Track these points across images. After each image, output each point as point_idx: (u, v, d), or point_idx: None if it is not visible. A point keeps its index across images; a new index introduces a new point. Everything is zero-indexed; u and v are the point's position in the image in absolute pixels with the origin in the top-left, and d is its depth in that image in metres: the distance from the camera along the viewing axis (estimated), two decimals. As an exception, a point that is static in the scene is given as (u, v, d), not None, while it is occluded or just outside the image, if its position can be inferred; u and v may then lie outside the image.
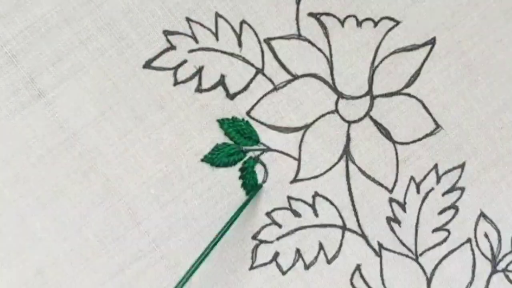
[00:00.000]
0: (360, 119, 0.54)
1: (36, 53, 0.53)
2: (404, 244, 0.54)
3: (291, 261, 0.54)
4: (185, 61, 0.53)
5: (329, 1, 0.54)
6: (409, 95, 0.54)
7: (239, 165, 0.54)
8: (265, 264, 0.54)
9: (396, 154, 0.54)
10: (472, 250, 0.55)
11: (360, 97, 0.54)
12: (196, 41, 0.53)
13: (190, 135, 0.53)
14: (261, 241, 0.54)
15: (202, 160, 0.53)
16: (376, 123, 0.54)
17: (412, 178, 0.54)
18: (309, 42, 0.54)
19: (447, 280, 0.55)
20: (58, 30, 0.53)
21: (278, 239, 0.54)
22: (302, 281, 0.54)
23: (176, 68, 0.53)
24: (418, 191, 0.54)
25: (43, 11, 0.53)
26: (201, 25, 0.53)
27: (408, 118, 0.54)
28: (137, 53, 0.53)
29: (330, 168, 0.54)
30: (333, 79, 0.54)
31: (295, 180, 0.54)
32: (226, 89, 0.53)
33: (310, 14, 0.54)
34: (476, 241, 0.55)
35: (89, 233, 0.53)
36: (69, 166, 0.53)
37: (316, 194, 0.54)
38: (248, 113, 0.54)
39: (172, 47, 0.53)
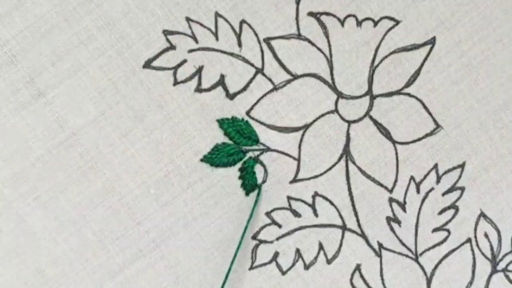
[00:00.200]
0: (360, 119, 0.54)
1: (36, 53, 0.53)
2: (404, 244, 0.54)
3: (291, 261, 0.54)
4: (184, 61, 0.53)
5: (329, 0, 0.54)
6: (409, 95, 0.54)
7: (239, 165, 0.53)
8: (265, 264, 0.54)
9: (396, 154, 0.54)
10: (472, 250, 0.55)
11: (360, 97, 0.54)
12: (196, 41, 0.53)
13: (189, 135, 0.53)
14: (261, 241, 0.54)
15: (202, 160, 0.53)
16: (376, 123, 0.54)
17: (412, 178, 0.54)
18: (309, 41, 0.54)
19: (447, 280, 0.55)
20: (58, 30, 0.53)
21: (278, 239, 0.54)
22: (302, 281, 0.54)
23: (176, 68, 0.53)
24: (418, 191, 0.54)
25: (43, 11, 0.52)
26: (201, 25, 0.53)
27: (408, 118, 0.54)
28: (137, 53, 0.53)
29: (330, 168, 0.54)
30: (333, 79, 0.54)
31: (294, 180, 0.54)
32: (225, 89, 0.53)
33: (310, 14, 0.54)
34: (476, 241, 0.55)
35: (89, 233, 0.53)
36: (69, 166, 0.53)
37: (316, 194, 0.54)
38: (247, 113, 0.54)
39: (172, 47, 0.53)
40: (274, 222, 0.54)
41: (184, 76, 0.53)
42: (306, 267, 0.54)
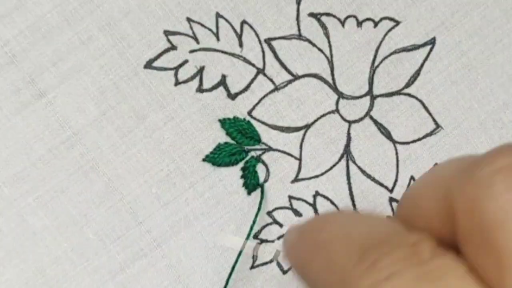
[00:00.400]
0: (361, 119, 0.54)
1: (37, 53, 0.53)
2: (404, 244, 0.54)
3: (292, 260, 0.54)
4: (186, 61, 0.53)
5: (329, 1, 0.54)
6: (409, 95, 0.54)
7: (241, 164, 0.54)
8: (266, 263, 0.54)
9: (397, 154, 0.54)
10: (472, 249, 0.55)
11: (361, 97, 0.54)
12: (197, 41, 0.53)
13: (191, 135, 0.53)
14: (262, 240, 0.54)
15: (204, 160, 0.53)
16: (376, 123, 0.54)
17: (412, 177, 0.54)
18: (310, 42, 0.54)
19: (446, 279, 0.55)
20: (58, 30, 0.53)
21: (279, 238, 0.54)
22: (304, 280, 0.54)
23: (177, 68, 0.53)
24: (418, 191, 0.54)
25: (43, 11, 0.53)
26: (202, 25, 0.53)
27: (408, 118, 0.54)
28: (138, 53, 0.53)
29: (331, 168, 0.54)
30: (333, 79, 0.54)
31: (296, 180, 0.54)
32: (227, 89, 0.53)
33: (311, 14, 0.54)
34: (476, 240, 0.55)
35: (90, 233, 0.53)
36: (70, 166, 0.53)
37: (317, 194, 0.54)
38: (249, 113, 0.54)
39: (173, 47, 0.53)
40: (276, 222, 0.54)
41: (186, 77, 0.53)
42: (308, 266, 0.54)
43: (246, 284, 0.54)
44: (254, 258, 0.54)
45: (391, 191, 0.54)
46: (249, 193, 0.54)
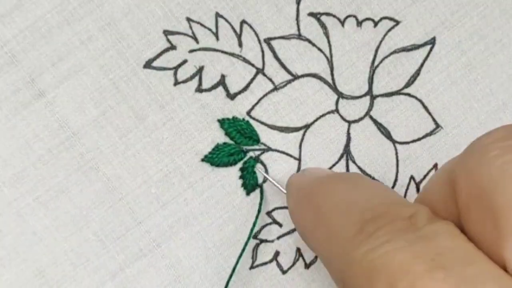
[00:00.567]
0: (360, 119, 0.54)
1: (37, 53, 0.53)
2: (404, 244, 0.54)
3: (292, 260, 0.54)
4: (185, 61, 0.53)
5: (329, 1, 0.54)
6: (409, 95, 0.54)
7: (240, 164, 0.54)
8: (265, 263, 0.54)
9: (396, 153, 0.54)
10: (472, 249, 0.55)
11: (360, 97, 0.54)
12: (197, 41, 0.53)
13: (190, 135, 0.53)
14: (262, 241, 0.54)
15: (203, 160, 0.53)
16: (376, 122, 0.54)
17: (412, 177, 0.54)
18: (309, 42, 0.54)
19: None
20: (58, 30, 0.53)
21: (278, 238, 0.54)
22: (303, 280, 0.54)
23: (176, 68, 0.53)
24: (418, 191, 0.54)
25: (43, 11, 0.53)
26: (202, 25, 0.53)
27: (408, 118, 0.54)
28: (137, 53, 0.53)
29: (331, 168, 0.54)
30: (333, 79, 0.54)
31: (295, 180, 0.54)
32: (226, 89, 0.53)
33: (310, 14, 0.54)
34: (476, 241, 0.55)
35: (90, 233, 0.53)
36: (70, 166, 0.53)
37: (316, 194, 0.54)
38: (248, 113, 0.54)
39: (173, 47, 0.53)
40: (275, 221, 0.54)
41: (185, 76, 0.53)
42: (307, 266, 0.54)
43: (246, 284, 0.54)
44: (254, 258, 0.54)
45: (391, 191, 0.54)
46: (248, 193, 0.54)
